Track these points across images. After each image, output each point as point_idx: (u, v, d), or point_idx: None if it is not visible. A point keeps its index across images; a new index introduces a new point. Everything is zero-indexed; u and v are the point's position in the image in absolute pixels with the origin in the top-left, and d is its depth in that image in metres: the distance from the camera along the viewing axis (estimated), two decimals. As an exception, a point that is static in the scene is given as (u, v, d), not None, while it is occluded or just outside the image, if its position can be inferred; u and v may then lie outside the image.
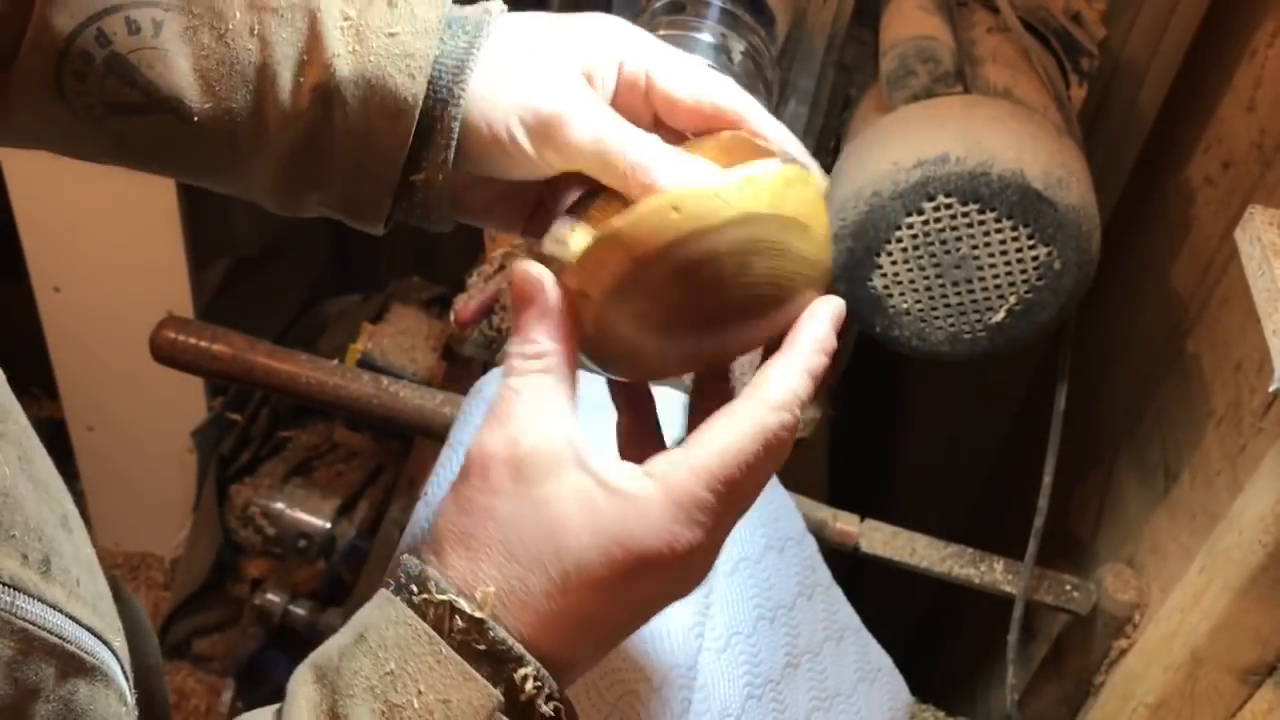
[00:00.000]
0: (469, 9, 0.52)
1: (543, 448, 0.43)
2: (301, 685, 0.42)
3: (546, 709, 0.42)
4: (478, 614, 0.41)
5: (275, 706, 0.43)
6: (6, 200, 1.53)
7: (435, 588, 0.42)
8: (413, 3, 0.50)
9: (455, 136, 0.50)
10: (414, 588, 0.42)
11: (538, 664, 0.41)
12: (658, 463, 0.44)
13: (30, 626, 0.38)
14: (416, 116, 0.49)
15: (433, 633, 0.41)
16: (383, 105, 0.49)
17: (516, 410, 0.45)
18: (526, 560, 0.42)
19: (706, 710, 0.80)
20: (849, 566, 1.03)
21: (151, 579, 1.93)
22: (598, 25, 0.52)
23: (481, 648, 0.41)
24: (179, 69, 0.48)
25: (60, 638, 0.39)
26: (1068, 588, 1.03)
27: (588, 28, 0.51)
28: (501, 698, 0.41)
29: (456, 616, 0.41)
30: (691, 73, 0.51)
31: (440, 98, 0.49)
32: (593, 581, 0.42)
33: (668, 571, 0.43)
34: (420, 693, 0.40)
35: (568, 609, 0.42)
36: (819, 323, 0.48)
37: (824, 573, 0.99)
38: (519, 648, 0.41)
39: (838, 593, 1.00)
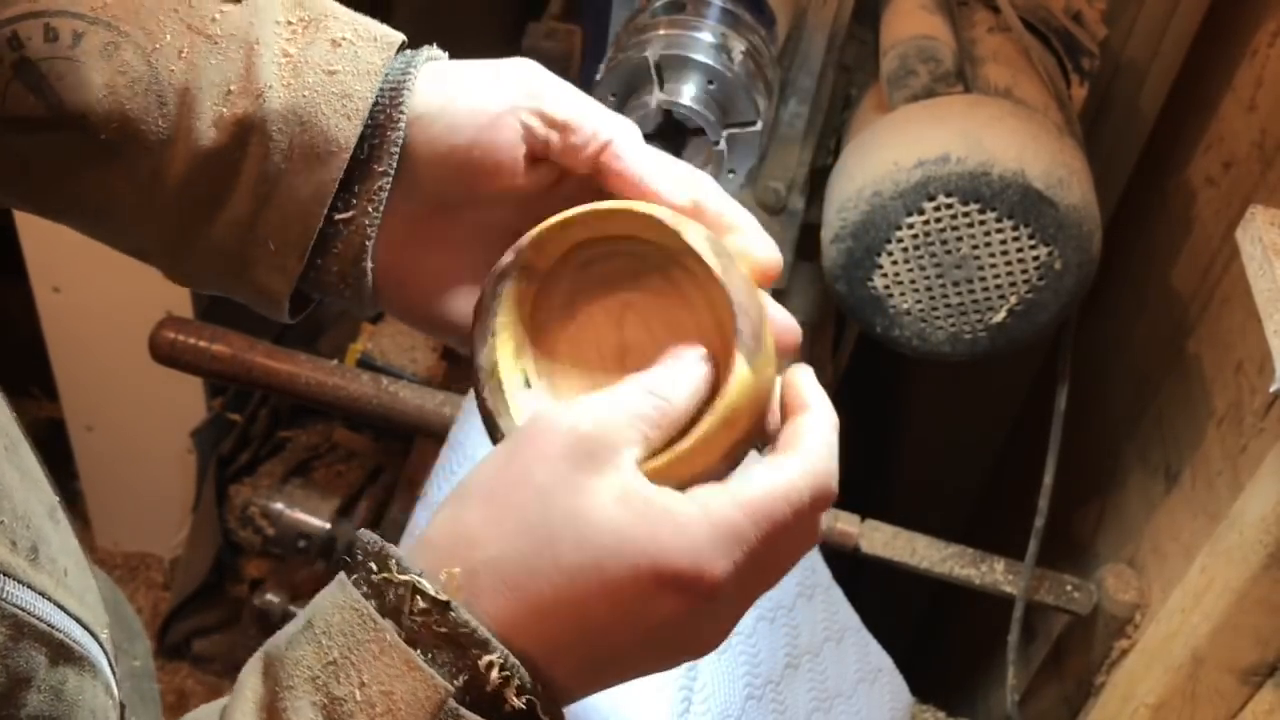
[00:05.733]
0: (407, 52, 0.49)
1: (606, 437, 0.41)
2: (249, 676, 0.40)
3: (517, 701, 0.38)
4: (441, 596, 0.38)
5: (222, 701, 0.41)
6: (6, 200, 1.53)
7: (397, 566, 0.39)
8: (357, 44, 0.47)
9: (397, 151, 0.47)
10: (373, 565, 0.39)
11: (506, 651, 0.38)
12: (699, 491, 0.41)
13: (20, 612, 0.38)
14: (347, 160, 0.46)
15: (379, 618, 0.38)
16: (310, 145, 0.46)
17: (594, 400, 0.43)
18: (542, 538, 0.39)
19: (706, 710, 0.80)
20: (849, 566, 1.03)
21: (151, 579, 1.93)
22: (518, 70, 0.49)
23: (443, 630, 0.38)
24: (90, 83, 0.46)
25: (50, 625, 0.39)
26: (1068, 588, 1.03)
27: (510, 73, 0.49)
28: (450, 688, 0.38)
29: (418, 598, 0.38)
30: (594, 113, 0.48)
31: (377, 124, 0.47)
32: (607, 585, 0.39)
33: (687, 600, 0.40)
34: (363, 684, 0.37)
35: (569, 608, 0.39)
36: (814, 384, 0.46)
37: (824, 573, 0.99)
38: (484, 632, 0.38)
39: (838, 593, 1.00)
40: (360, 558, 0.40)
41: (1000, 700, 1.16)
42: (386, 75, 0.47)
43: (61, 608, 0.40)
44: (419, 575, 0.39)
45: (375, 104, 0.47)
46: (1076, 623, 1.05)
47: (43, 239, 1.56)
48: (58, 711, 0.40)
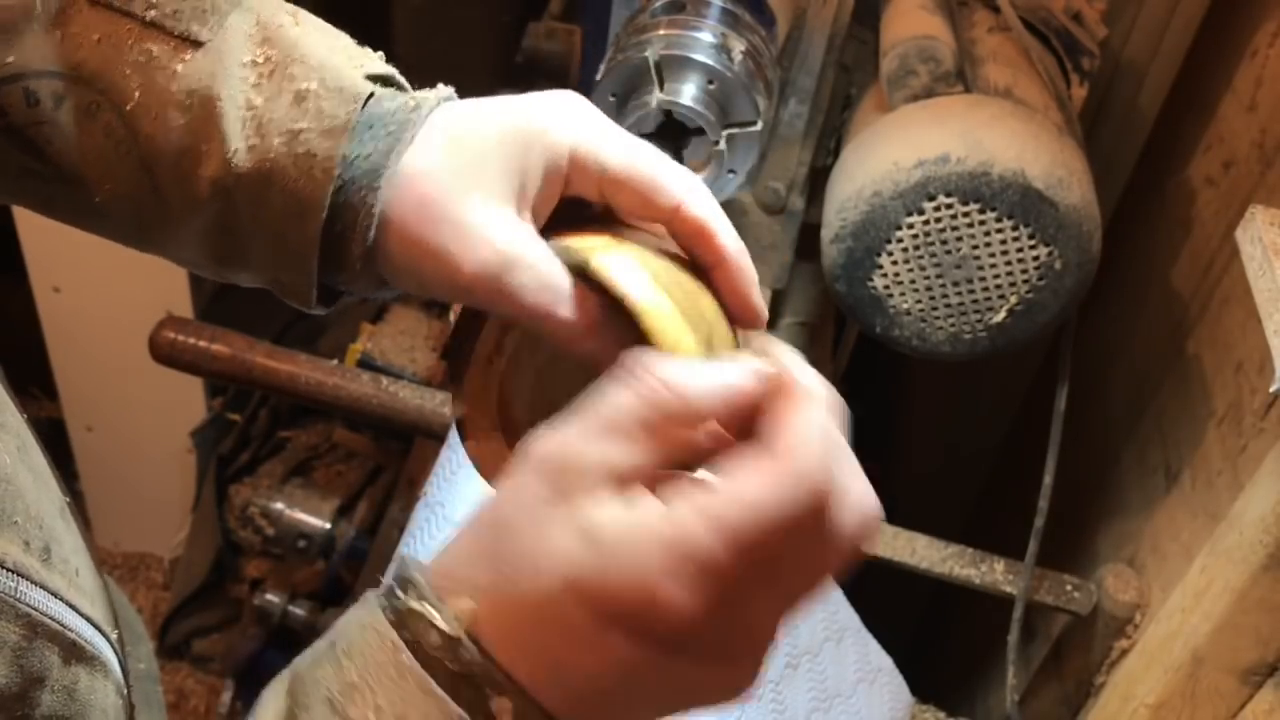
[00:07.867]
0: (400, 100, 0.47)
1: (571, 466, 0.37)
2: (273, 692, 0.39)
3: None
4: (450, 630, 0.36)
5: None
6: (6, 200, 1.53)
7: (416, 595, 0.37)
8: (322, 98, 0.46)
9: (370, 242, 0.45)
10: (398, 590, 0.38)
11: (522, 696, 0.36)
12: (676, 498, 0.36)
13: (34, 612, 0.38)
14: (323, 218, 0.45)
15: (398, 641, 0.37)
16: (285, 206, 0.45)
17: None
18: (514, 568, 0.37)
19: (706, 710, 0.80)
20: (849, 567, 1.03)
21: (151, 579, 1.93)
22: (546, 113, 0.46)
23: (454, 668, 0.36)
24: (79, 146, 0.46)
25: (62, 625, 0.40)
26: (1068, 588, 1.03)
27: (533, 119, 0.46)
28: (465, 715, 0.36)
29: (433, 631, 0.36)
30: (628, 146, 0.46)
31: (353, 201, 0.45)
32: (562, 617, 0.36)
33: (650, 635, 0.36)
34: (378, 708, 0.36)
35: (545, 641, 0.36)
36: (798, 362, 0.42)
37: (824, 573, 0.99)
38: (497, 674, 0.36)
39: (838, 593, 1.00)
40: (393, 581, 0.39)
41: (1000, 700, 1.16)
42: (362, 143, 0.46)
43: (73, 608, 0.41)
44: (433, 606, 0.37)
45: (351, 164, 0.45)
46: (1076, 623, 1.05)
47: (43, 239, 1.57)
48: (70, 711, 0.40)
